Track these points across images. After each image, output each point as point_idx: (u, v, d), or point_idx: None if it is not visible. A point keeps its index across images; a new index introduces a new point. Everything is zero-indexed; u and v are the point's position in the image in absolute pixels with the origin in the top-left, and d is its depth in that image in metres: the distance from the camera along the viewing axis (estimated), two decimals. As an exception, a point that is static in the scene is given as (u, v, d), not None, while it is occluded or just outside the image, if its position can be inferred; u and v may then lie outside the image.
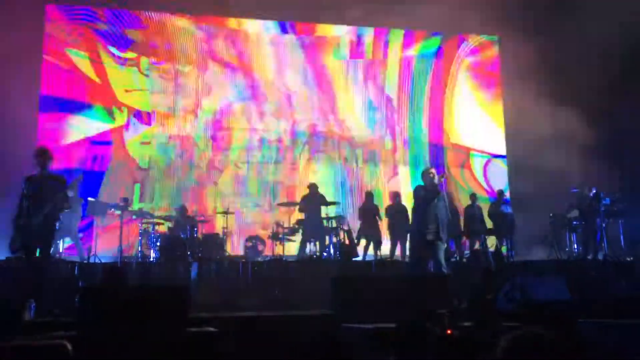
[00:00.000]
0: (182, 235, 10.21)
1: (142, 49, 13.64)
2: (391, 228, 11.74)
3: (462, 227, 11.64)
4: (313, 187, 11.59)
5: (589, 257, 11.12)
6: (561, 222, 11.61)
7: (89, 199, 11.20)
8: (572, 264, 10.65)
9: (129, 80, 13.50)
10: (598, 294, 7.51)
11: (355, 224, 11.81)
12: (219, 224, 11.67)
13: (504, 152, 14.97)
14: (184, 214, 10.93)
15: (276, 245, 10.92)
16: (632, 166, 12.89)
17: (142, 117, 13.40)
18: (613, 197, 11.31)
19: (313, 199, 11.32)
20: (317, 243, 11.04)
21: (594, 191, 11.22)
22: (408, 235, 10.92)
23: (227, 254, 10.71)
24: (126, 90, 13.42)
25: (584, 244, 11.53)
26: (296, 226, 11.13)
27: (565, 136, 12.71)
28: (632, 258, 10.97)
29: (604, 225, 10.77)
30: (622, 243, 11.29)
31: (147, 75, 13.58)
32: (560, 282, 7.39)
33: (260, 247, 11.47)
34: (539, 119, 12.97)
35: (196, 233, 10.40)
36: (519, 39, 13.22)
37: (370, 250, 11.71)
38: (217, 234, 11.09)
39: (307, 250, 11.09)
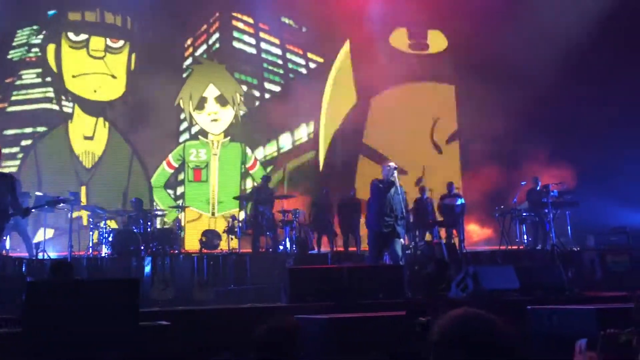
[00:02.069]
0: (135, 230, 10.00)
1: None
2: (343, 221, 11.76)
3: (412, 218, 11.78)
4: (266, 179, 11.52)
5: (538, 247, 11.43)
6: (511, 214, 11.87)
7: (37, 193, 10.84)
8: (521, 253, 10.94)
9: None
10: (546, 282, 7.71)
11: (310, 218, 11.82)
12: (174, 218, 11.49)
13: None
14: (139, 208, 10.70)
15: (232, 239, 10.83)
16: (580, 160, 13.29)
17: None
18: (561, 189, 11.62)
19: (266, 192, 11.26)
20: (272, 236, 11.00)
21: (540, 183, 11.53)
22: (359, 228, 11.04)
23: (182, 248, 10.55)
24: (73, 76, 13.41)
25: (534, 235, 11.84)
26: (251, 220, 11.04)
27: (514, 129, 13.03)
28: (578, 248, 11.33)
29: (551, 216, 11.04)
30: (570, 233, 11.62)
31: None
32: (510, 272, 7.56)
33: (215, 242, 11.35)
34: (489, 111, 13.27)
35: (150, 227, 10.20)
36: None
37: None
38: (172, 228, 10.91)
39: (262, 244, 11.06)
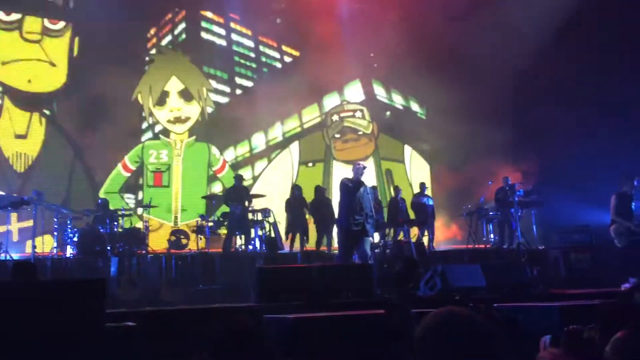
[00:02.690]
0: (102, 230, 9.82)
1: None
2: (316, 221, 11.77)
3: (386, 218, 11.86)
4: (238, 179, 11.44)
5: (505, 246, 11.62)
6: (478, 213, 12.04)
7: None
8: (488, 252, 11.10)
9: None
10: (512, 280, 7.83)
11: (282, 217, 11.79)
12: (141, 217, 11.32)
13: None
14: (105, 208, 10.49)
15: (201, 239, 10.73)
16: (544, 159, 13.55)
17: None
18: (526, 188, 11.84)
19: (238, 192, 11.19)
20: (243, 236, 10.94)
21: (509, 183, 11.73)
22: (333, 227, 11.06)
23: (149, 248, 10.41)
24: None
25: (500, 234, 12.04)
26: (221, 219, 10.97)
27: (481, 131, 13.23)
28: (543, 246, 11.54)
29: (518, 215, 11.23)
30: (535, 232, 11.84)
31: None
32: (477, 270, 7.66)
33: (184, 241, 11.23)
34: (455, 115, 13.45)
35: (116, 227, 10.03)
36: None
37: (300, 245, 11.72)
38: (139, 228, 10.75)
39: (233, 243, 10.98)
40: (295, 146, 15.05)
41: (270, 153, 14.63)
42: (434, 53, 13.60)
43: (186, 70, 13.56)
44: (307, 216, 11.93)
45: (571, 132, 12.80)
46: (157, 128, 13.27)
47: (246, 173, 13.88)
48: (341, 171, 13.72)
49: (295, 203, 11.84)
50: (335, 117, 15.53)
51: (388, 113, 16.11)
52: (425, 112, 15.94)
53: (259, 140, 14.48)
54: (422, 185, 12.78)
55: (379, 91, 16.11)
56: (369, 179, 12.57)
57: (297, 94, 13.99)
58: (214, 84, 14.04)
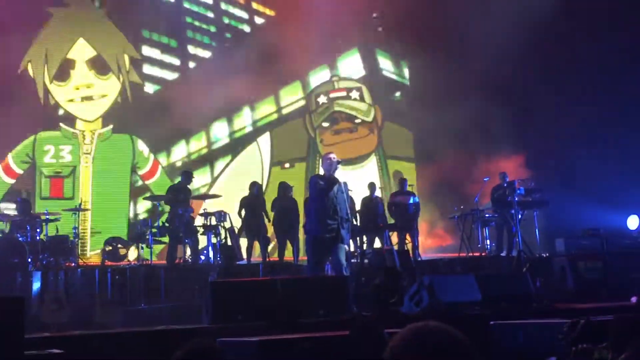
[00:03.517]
0: (21, 238, 9.65)
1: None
2: (278, 225, 11.76)
3: (360, 221, 11.90)
4: (186, 175, 11.33)
5: (503, 254, 11.75)
6: (472, 215, 12.16)
7: None
8: (484, 261, 11.22)
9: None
10: (512, 293, 7.94)
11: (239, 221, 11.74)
12: (70, 223, 11.12)
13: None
14: (25, 211, 10.27)
15: (142, 248, 10.64)
16: (547, 153, 13.76)
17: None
18: (528, 186, 11.97)
19: (185, 191, 11.10)
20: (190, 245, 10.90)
21: (507, 180, 11.87)
22: (299, 233, 11.05)
23: (79, 260, 10.28)
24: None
25: (498, 239, 12.18)
26: (166, 225, 10.87)
27: (472, 117, 13.41)
28: (547, 254, 11.71)
29: (519, 217, 11.35)
30: (538, 238, 11.99)
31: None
32: (471, 282, 7.74)
33: (122, 252, 11.12)
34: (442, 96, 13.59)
35: (39, 235, 9.87)
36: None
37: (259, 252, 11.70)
38: (67, 235, 10.60)
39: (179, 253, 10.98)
40: (265, 140, 14.44)
41: (238, 148, 14.23)
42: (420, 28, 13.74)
43: (100, 31, 11.92)
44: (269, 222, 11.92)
45: (576, 122, 13.05)
46: (57, 113, 11.67)
47: (203, 177, 13.40)
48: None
49: (253, 203, 11.77)
50: (322, 99, 15.00)
51: (398, 94, 15.73)
52: (409, 82, 15.70)
53: (220, 132, 13.96)
54: (402, 181, 12.77)
55: (385, 64, 15.50)
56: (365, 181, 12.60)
57: (273, 68, 13.05)
58: (156, 53, 12.91)
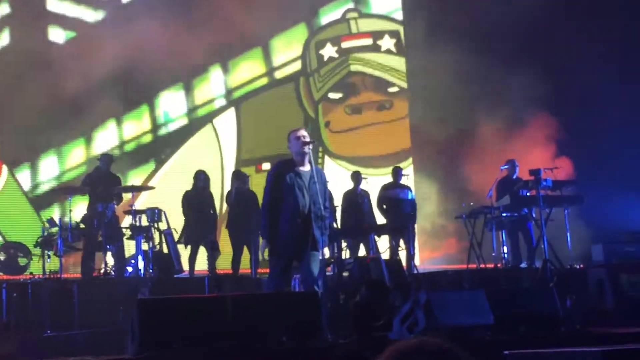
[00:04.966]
0: None
1: None
2: (233, 227, 11.74)
3: (340, 222, 11.89)
4: (105, 161, 11.28)
5: (523, 265, 11.82)
6: (485, 215, 12.19)
7: None
8: (498, 273, 11.27)
9: None
10: (533, 314, 7.97)
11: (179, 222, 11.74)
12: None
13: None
14: None
15: (49, 257, 10.59)
16: (581, 138, 13.87)
17: None
18: (557, 177, 12.02)
19: (104, 181, 11.01)
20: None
21: (518, 169, 12.00)
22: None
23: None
24: None
25: (514, 245, 12.26)
26: (81, 226, 10.80)
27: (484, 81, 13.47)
28: (581, 265, 11.79)
29: (543, 218, 11.41)
30: (569, 243, 12.06)
31: None
32: (481, 300, 7.75)
33: (22, 262, 11.04)
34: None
35: None
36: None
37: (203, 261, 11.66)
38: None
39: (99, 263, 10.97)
40: (228, 121, 14.45)
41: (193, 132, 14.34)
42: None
43: None
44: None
45: (626, 103, 13.19)
46: None
47: (139, 177, 13.59)
48: (346, 184, 12.88)
49: (198, 199, 11.71)
50: (329, 51, 14.66)
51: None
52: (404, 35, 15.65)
53: (173, 107, 14.11)
54: (397, 171, 12.85)
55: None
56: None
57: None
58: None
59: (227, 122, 14.61)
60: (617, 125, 13.42)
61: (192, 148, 14.41)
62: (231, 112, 14.65)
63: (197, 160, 13.73)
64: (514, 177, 12.24)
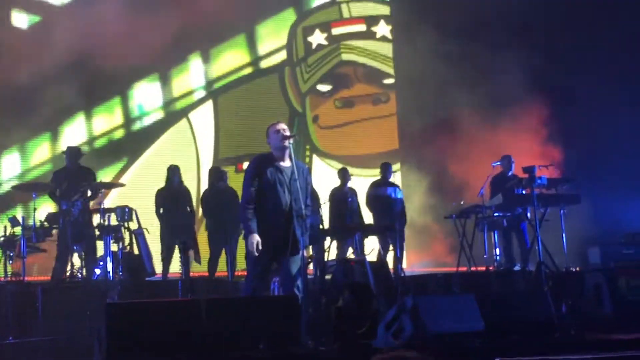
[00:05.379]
0: None
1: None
2: (211, 227, 11.75)
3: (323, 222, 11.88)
4: (72, 154, 11.20)
5: (517, 267, 11.87)
6: (476, 215, 12.20)
7: None
8: (490, 277, 11.29)
9: None
10: (527, 320, 7.98)
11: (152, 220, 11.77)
12: None
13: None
14: None
15: (10, 258, 10.56)
16: (576, 133, 13.91)
17: None
18: (552, 174, 12.05)
19: (71, 177, 10.97)
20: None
21: (514, 166, 12.05)
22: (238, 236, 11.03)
23: None
24: None
25: (508, 247, 12.33)
26: (46, 225, 10.73)
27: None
28: (577, 267, 11.82)
29: (537, 218, 11.41)
30: (565, 245, 12.10)
31: None
32: (471, 305, 7.76)
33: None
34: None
35: None
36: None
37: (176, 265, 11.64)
38: None
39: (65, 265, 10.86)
40: (204, 115, 14.35)
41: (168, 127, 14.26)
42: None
43: None
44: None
45: (624, 80, 13.23)
46: None
47: (109, 175, 13.47)
48: (329, 184, 12.87)
49: (173, 196, 11.68)
50: (318, 38, 14.59)
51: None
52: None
53: (149, 99, 14.02)
54: (386, 167, 12.87)
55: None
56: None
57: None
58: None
59: (204, 116, 14.54)
60: (616, 118, 13.45)
61: (166, 144, 14.33)
62: (208, 105, 14.56)
63: (171, 158, 13.65)
64: (510, 174, 12.22)
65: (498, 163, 12.41)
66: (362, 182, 13.14)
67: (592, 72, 13.53)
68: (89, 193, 11.05)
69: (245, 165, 13.12)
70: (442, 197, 13.84)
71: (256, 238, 7.65)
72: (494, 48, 13.43)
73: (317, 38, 14.62)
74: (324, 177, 13.40)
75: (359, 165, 14.18)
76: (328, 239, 10.86)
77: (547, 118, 13.92)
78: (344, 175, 12.59)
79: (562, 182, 12.12)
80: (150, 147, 14.32)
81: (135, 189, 12.84)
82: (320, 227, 11.15)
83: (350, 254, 11.87)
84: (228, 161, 14.30)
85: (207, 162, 14.44)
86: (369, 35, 14.84)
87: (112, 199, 12.71)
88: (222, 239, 11.65)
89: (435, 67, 13.79)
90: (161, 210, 11.84)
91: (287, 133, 7.93)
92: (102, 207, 10.81)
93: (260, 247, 7.65)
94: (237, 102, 14.60)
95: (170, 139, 14.38)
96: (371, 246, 11.98)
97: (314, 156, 14.61)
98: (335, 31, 14.65)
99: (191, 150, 14.47)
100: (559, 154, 13.33)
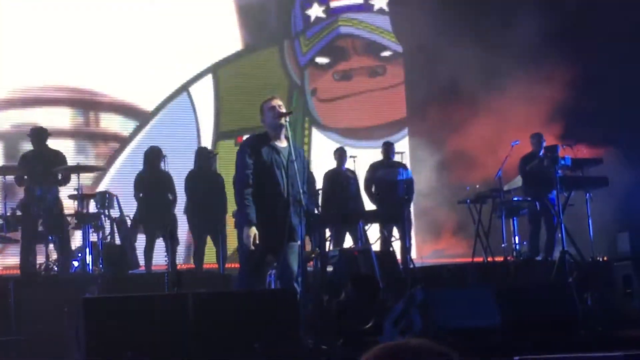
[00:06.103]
0: None
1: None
2: (195, 215, 11.76)
3: (321, 207, 11.91)
4: (37, 135, 11.08)
5: (539, 258, 11.89)
6: (493, 200, 12.19)
7: None
8: (508, 268, 11.29)
9: None
10: (550, 315, 7.97)
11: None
12: None
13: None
14: None
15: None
16: (605, 111, 13.90)
17: None
18: (576, 155, 12.01)
19: (43, 160, 10.96)
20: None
21: (545, 145, 11.99)
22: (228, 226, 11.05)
23: None
24: None
25: (532, 236, 12.30)
26: (17, 213, 10.75)
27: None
28: (604, 257, 11.81)
29: (560, 203, 11.39)
30: (591, 232, 12.07)
31: None
32: (487, 299, 7.77)
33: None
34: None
35: None
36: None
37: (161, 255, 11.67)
38: None
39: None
40: (204, 86, 14.57)
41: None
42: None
43: None
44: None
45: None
46: None
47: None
48: (330, 159, 12.99)
49: (154, 180, 11.72)
50: (316, 11, 14.86)
51: None
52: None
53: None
54: (388, 147, 12.81)
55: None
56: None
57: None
58: None
59: (204, 90, 14.73)
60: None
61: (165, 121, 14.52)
62: (208, 79, 14.77)
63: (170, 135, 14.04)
64: (541, 154, 12.02)
65: (516, 142, 12.35)
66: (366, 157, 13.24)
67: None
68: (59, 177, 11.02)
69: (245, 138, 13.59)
70: (456, 178, 13.76)
71: (254, 230, 7.62)
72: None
73: (315, 11, 15.08)
74: (324, 152, 13.42)
75: (361, 138, 14.50)
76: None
77: (573, 95, 13.87)
78: (340, 155, 12.51)
79: (589, 163, 12.04)
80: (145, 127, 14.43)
81: (128, 174, 12.77)
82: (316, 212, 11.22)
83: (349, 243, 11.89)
84: (228, 135, 14.67)
85: (207, 138, 14.64)
86: (366, 7, 15.34)
87: (103, 186, 12.71)
88: (203, 226, 11.73)
89: (438, 38, 13.85)
90: (140, 195, 11.80)
91: (283, 110, 7.92)
92: (79, 192, 10.81)
93: (257, 241, 7.67)
94: (237, 73, 14.83)
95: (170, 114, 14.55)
96: (375, 235, 12.02)
97: (314, 130, 14.82)
98: (334, 4, 15.15)
99: (191, 129, 14.59)
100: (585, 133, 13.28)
